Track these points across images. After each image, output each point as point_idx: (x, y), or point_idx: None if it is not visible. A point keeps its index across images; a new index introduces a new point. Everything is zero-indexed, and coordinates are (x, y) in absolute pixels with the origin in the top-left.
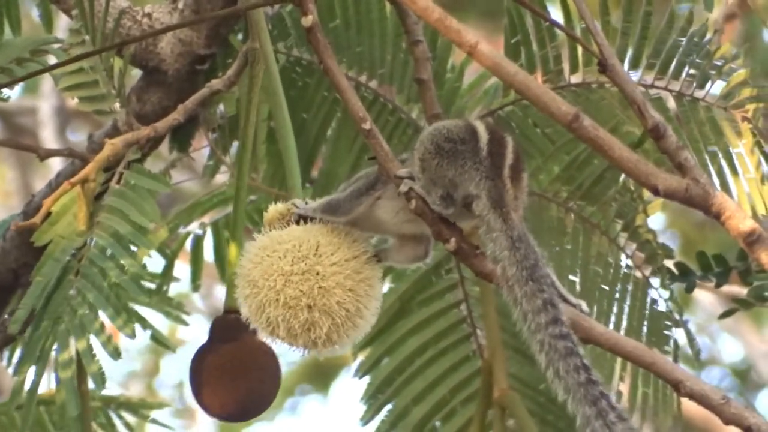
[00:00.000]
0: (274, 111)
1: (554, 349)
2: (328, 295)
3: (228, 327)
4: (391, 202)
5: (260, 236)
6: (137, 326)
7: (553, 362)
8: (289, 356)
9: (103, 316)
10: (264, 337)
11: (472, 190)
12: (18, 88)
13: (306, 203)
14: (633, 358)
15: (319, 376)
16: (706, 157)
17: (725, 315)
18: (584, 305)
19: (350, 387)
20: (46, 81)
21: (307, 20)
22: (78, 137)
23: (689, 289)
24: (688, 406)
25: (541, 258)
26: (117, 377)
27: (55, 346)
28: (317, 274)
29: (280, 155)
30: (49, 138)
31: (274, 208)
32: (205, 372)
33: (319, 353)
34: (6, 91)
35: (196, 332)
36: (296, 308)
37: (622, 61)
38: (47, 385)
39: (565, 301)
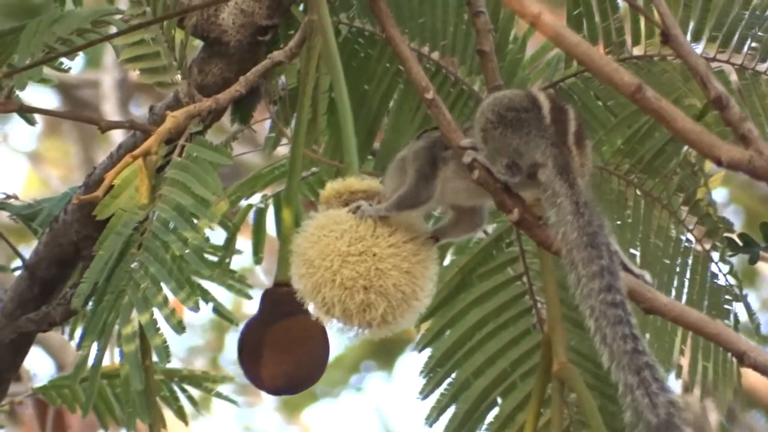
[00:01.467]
0: (334, 85)
1: (604, 315)
2: (384, 276)
3: (277, 300)
4: (452, 175)
5: (317, 215)
6: (201, 301)
7: (601, 328)
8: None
9: (166, 291)
10: (319, 315)
11: (538, 157)
12: (80, 61)
13: (370, 205)
14: (697, 328)
15: (384, 352)
16: None
17: None
18: (647, 276)
19: (414, 363)
20: (109, 54)
21: None
22: (141, 111)
23: (753, 261)
24: (753, 379)
25: (605, 226)
26: (180, 353)
27: (118, 320)
28: (374, 255)
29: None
30: (111, 111)
31: (331, 186)
32: (254, 345)
33: (373, 334)
34: (67, 63)
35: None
36: (353, 289)
37: (684, 33)
38: (110, 359)
39: (629, 271)
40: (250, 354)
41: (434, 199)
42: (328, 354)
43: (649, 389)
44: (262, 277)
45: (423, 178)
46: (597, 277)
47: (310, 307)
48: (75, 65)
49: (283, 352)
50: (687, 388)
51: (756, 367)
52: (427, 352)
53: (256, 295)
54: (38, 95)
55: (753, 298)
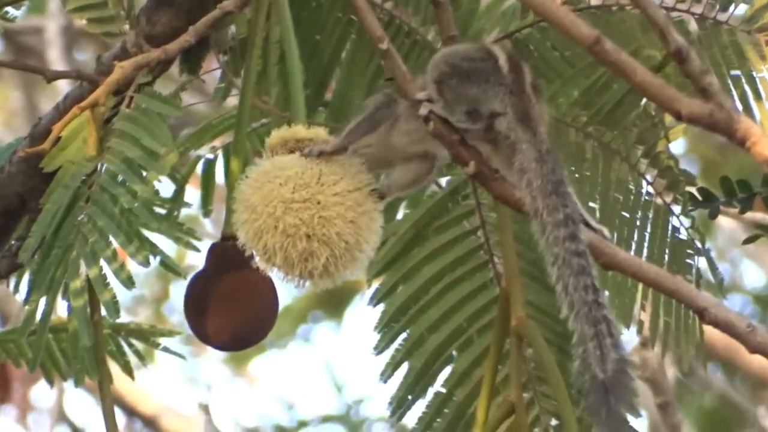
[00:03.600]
0: (282, 33)
1: (568, 264)
2: (328, 225)
3: (224, 254)
4: (404, 125)
5: (261, 161)
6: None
7: (564, 277)
8: None
9: (114, 244)
10: (260, 264)
11: (497, 106)
12: (23, 7)
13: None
14: (656, 284)
15: (332, 302)
16: (729, 81)
17: (748, 241)
18: (606, 231)
19: (364, 314)
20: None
21: None
22: (85, 57)
23: (712, 215)
24: (710, 334)
25: (566, 177)
26: (124, 303)
27: (66, 275)
28: (318, 203)
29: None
30: (55, 58)
31: (276, 134)
32: (200, 299)
33: (315, 285)
34: (12, 11)
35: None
36: (295, 237)
37: None
38: (56, 312)
39: (587, 225)
40: (195, 308)
41: (392, 133)
42: (277, 309)
43: (602, 343)
44: (209, 228)
45: (382, 106)
46: (562, 225)
47: (254, 257)
48: (18, 11)
49: (229, 306)
50: (645, 344)
51: (717, 324)
52: (381, 307)
53: (203, 246)
54: None
55: (710, 248)
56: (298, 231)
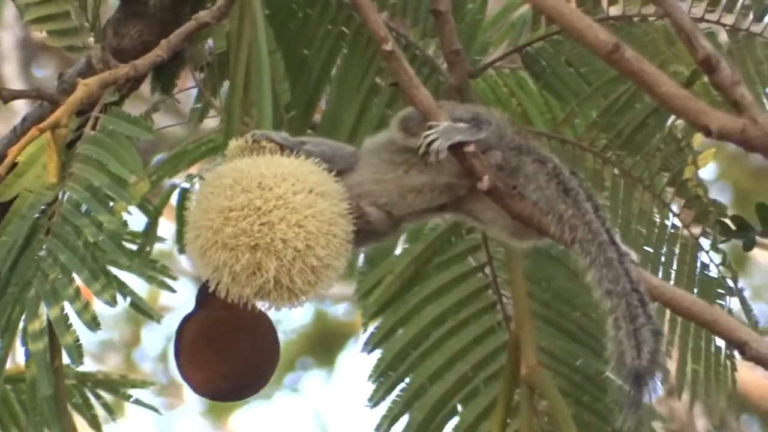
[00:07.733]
0: (252, 35)
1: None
2: (271, 232)
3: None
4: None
5: (207, 174)
6: (117, 294)
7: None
8: (288, 324)
9: (78, 281)
10: (213, 287)
11: (492, 140)
12: None
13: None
14: (691, 315)
15: (323, 348)
16: (765, 99)
17: None
18: (633, 254)
19: (359, 361)
20: (9, 9)
21: None
22: (45, 73)
23: (748, 247)
24: (745, 382)
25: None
26: (91, 348)
27: (23, 315)
28: (258, 209)
29: (277, 97)
30: (11, 74)
31: (235, 143)
32: (188, 343)
33: (276, 304)
34: None
35: (181, 297)
36: (237, 249)
37: None
38: (14, 360)
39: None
40: (184, 354)
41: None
42: (278, 352)
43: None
44: (185, 264)
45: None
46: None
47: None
48: None
49: (221, 350)
50: (672, 393)
51: (759, 360)
52: (377, 353)
53: (179, 286)
54: None
55: (744, 287)
56: (239, 242)
